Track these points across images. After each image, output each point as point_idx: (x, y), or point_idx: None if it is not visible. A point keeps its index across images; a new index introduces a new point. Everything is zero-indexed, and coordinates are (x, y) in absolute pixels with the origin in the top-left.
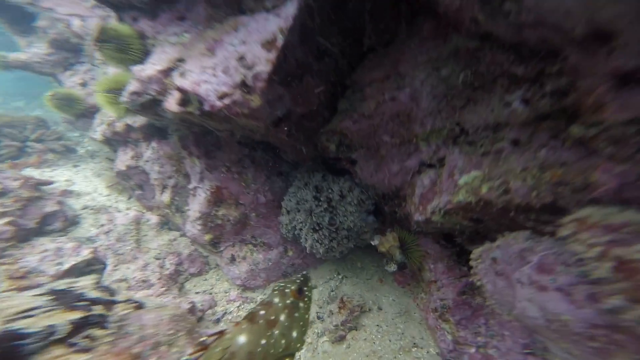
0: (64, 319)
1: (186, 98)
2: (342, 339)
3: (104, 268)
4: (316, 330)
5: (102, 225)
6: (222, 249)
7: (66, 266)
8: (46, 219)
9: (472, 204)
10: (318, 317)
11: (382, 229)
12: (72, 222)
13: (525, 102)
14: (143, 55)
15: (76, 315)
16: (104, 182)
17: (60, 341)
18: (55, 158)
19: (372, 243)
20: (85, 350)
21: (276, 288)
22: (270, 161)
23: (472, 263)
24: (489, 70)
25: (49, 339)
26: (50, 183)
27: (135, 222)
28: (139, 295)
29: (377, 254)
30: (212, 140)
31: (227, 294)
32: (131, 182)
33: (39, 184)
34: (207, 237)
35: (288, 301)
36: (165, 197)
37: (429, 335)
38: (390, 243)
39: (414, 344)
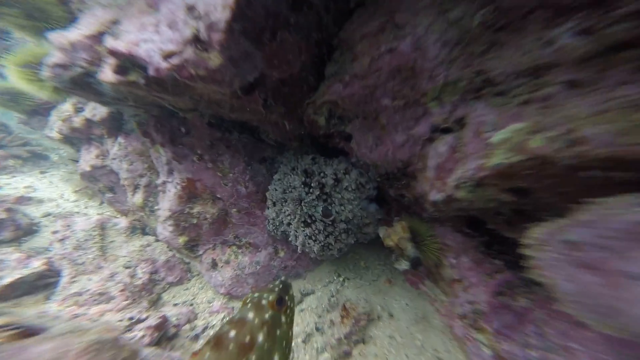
0: None
1: (124, 64)
2: (347, 355)
3: (59, 281)
4: (315, 346)
5: (56, 232)
6: (200, 252)
7: (7, 280)
8: None
9: (518, 165)
10: (317, 329)
11: (387, 220)
12: (27, 231)
13: (581, 33)
14: (67, 23)
15: None
16: (71, 187)
17: None
18: (17, 165)
19: (380, 235)
20: None
21: (249, 300)
22: (248, 145)
23: (528, 251)
24: (517, 5)
25: None
26: None
27: (99, 227)
28: (93, 310)
29: (384, 251)
30: (178, 123)
31: (211, 304)
32: (99, 184)
33: None
34: (182, 239)
35: (266, 315)
36: (138, 198)
37: (456, 347)
38: (399, 235)
39: (438, 358)
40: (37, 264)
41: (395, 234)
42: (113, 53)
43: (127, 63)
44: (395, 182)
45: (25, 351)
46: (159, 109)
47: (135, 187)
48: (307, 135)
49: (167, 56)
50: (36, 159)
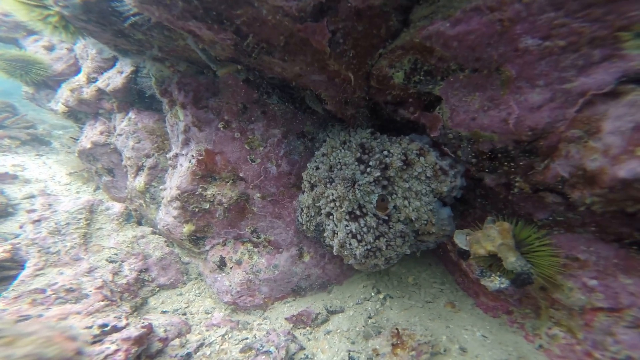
0: None
1: None
2: None
3: (19, 274)
4: None
5: (33, 211)
6: (207, 247)
7: None
8: None
9: None
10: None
11: (463, 225)
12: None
13: None
14: None
15: None
16: (66, 168)
17: None
18: (14, 145)
19: (457, 242)
20: None
21: None
22: (288, 114)
23: None
24: None
25: None
26: None
27: (87, 209)
28: (53, 312)
29: (440, 265)
30: (207, 82)
31: (209, 315)
32: (97, 164)
33: None
34: (187, 228)
35: None
36: (140, 181)
37: None
38: (498, 241)
39: None
40: None
41: (489, 240)
42: None
43: None
44: (504, 164)
45: None
46: (186, 63)
47: (139, 169)
48: (368, 101)
49: None
50: (37, 143)
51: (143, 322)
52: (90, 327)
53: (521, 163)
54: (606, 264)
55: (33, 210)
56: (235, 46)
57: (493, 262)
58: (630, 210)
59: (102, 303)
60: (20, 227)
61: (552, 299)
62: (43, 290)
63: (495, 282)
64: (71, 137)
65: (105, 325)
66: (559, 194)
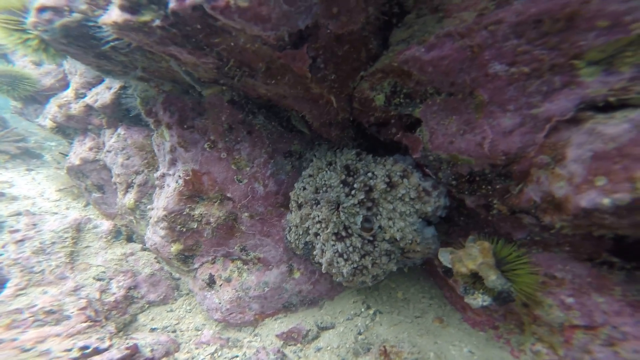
0: None
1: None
2: None
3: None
4: None
5: (15, 232)
6: (196, 265)
7: None
8: None
9: None
10: None
11: (448, 243)
12: None
13: None
14: None
15: None
16: (55, 184)
17: None
18: (2, 160)
19: (441, 260)
20: None
21: None
22: (274, 134)
23: None
24: None
25: None
26: None
27: (73, 228)
28: (29, 335)
29: (429, 280)
30: (192, 103)
31: (199, 332)
32: (87, 181)
33: None
34: (175, 247)
35: None
36: (129, 198)
37: None
38: (479, 260)
39: None
40: None
41: (471, 259)
42: None
43: None
44: (482, 187)
45: None
46: (171, 83)
47: (128, 186)
48: (352, 122)
49: None
50: (27, 157)
51: (128, 343)
52: (70, 350)
53: (497, 186)
54: (581, 282)
55: (16, 230)
56: (217, 69)
57: (476, 279)
58: (596, 234)
59: (84, 324)
60: (2, 247)
61: (534, 315)
62: (21, 311)
63: (478, 299)
64: (60, 153)
65: (87, 347)
66: (534, 217)
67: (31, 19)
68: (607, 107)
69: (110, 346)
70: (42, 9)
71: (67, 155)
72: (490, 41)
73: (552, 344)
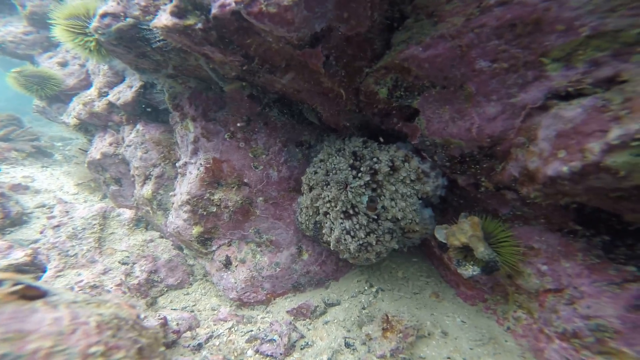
0: None
1: (184, 6)
2: None
3: (42, 276)
4: None
5: (52, 218)
6: (214, 248)
7: None
8: None
9: None
10: (347, 345)
11: (444, 221)
12: (15, 221)
13: None
14: None
15: None
16: (73, 179)
17: None
18: (20, 157)
19: (437, 236)
20: None
21: None
22: (287, 125)
23: None
24: None
25: None
26: None
27: (100, 215)
28: None
29: (426, 260)
30: (214, 97)
31: (215, 311)
32: (106, 174)
33: None
34: (196, 230)
35: None
36: (147, 189)
37: None
38: (469, 233)
39: None
40: (19, 255)
41: (462, 233)
42: None
43: (189, 4)
44: (472, 166)
45: (28, 318)
46: (196, 80)
47: (146, 178)
48: (358, 113)
49: None
50: (40, 155)
51: (159, 315)
52: None
53: (484, 165)
54: (553, 250)
55: (53, 217)
56: (242, 66)
57: (467, 253)
58: (562, 203)
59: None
60: (41, 232)
61: (516, 284)
62: (71, 288)
63: (469, 269)
64: (80, 149)
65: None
66: (514, 191)
67: (94, 23)
68: (567, 96)
69: (146, 317)
70: (104, 15)
71: (87, 151)
72: (476, 41)
73: (530, 309)
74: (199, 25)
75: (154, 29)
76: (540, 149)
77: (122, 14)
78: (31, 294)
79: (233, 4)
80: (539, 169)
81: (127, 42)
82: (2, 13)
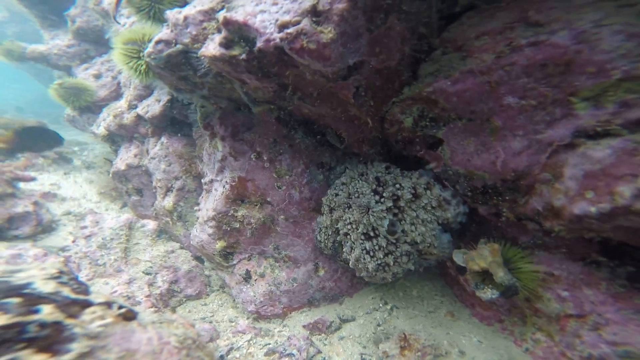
0: None
1: (231, 37)
2: None
3: None
4: None
5: (84, 228)
6: (235, 262)
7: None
8: (13, 221)
9: None
10: None
11: (461, 246)
12: (45, 228)
13: None
14: (181, 4)
15: None
16: (96, 187)
17: None
18: (45, 164)
19: (455, 260)
20: None
21: None
22: (310, 147)
23: None
24: None
25: None
26: (32, 179)
27: (126, 226)
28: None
29: (440, 280)
30: (243, 118)
31: (233, 323)
32: (129, 185)
33: (15, 179)
34: (220, 244)
35: None
36: (168, 201)
37: None
38: (489, 259)
39: None
40: (54, 262)
41: (482, 258)
42: (228, 23)
43: (236, 36)
44: (494, 198)
45: (131, 337)
46: (228, 101)
47: (168, 190)
48: (381, 140)
49: (283, 26)
50: (61, 161)
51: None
52: None
53: (507, 198)
54: (574, 278)
55: (85, 227)
56: (274, 93)
57: (485, 276)
58: (587, 237)
59: (151, 310)
60: (73, 241)
61: (535, 308)
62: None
63: (488, 293)
64: (105, 159)
65: None
66: (536, 222)
67: (149, 49)
68: (595, 135)
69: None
70: (158, 42)
71: (112, 161)
72: (506, 78)
73: (550, 332)
74: (243, 56)
75: (202, 57)
76: (566, 187)
77: (173, 40)
78: (129, 316)
79: (277, 40)
80: (565, 207)
81: (173, 66)
82: (56, 28)
